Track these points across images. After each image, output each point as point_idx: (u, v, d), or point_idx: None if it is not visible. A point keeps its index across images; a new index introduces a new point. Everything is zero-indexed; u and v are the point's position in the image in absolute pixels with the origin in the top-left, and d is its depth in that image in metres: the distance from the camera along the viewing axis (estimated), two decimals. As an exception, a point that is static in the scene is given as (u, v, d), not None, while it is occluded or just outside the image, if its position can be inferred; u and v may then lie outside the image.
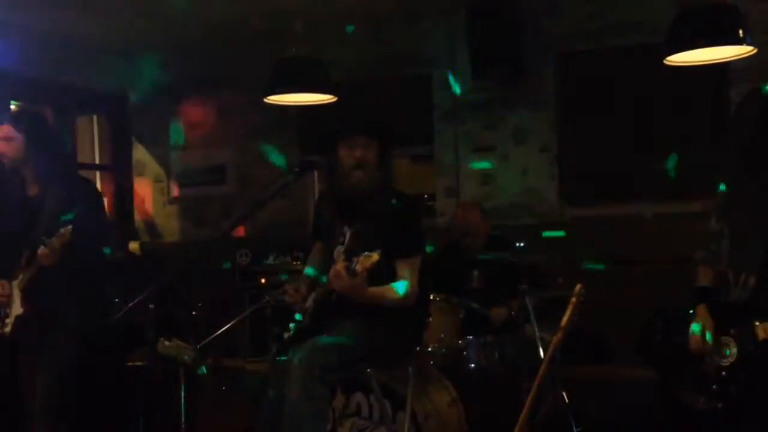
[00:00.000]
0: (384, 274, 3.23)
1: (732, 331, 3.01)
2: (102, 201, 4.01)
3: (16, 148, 3.63)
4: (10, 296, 3.65)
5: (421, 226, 3.50)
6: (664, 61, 4.12)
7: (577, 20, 5.70)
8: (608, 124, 5.73)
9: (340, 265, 3.10)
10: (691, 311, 3.12)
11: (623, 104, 5.70)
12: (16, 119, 3.71)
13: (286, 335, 3.44)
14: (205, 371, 3.68)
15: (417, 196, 6.43)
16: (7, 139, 3.64)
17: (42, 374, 3.61)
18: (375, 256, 2.99)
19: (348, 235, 3.39)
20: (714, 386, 2.99)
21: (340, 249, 3.39)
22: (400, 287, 3.27)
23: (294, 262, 5.86)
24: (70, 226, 3.39)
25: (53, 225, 3.46)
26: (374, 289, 3.18)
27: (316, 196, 6.48)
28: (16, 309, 3.65)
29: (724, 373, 3.00)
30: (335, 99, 4.95)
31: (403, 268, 3.29)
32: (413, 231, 3.39)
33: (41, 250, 3.47)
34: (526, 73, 5.74)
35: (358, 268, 3.01)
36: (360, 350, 3.31)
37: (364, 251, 3.05)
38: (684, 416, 3.16)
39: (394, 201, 3.36)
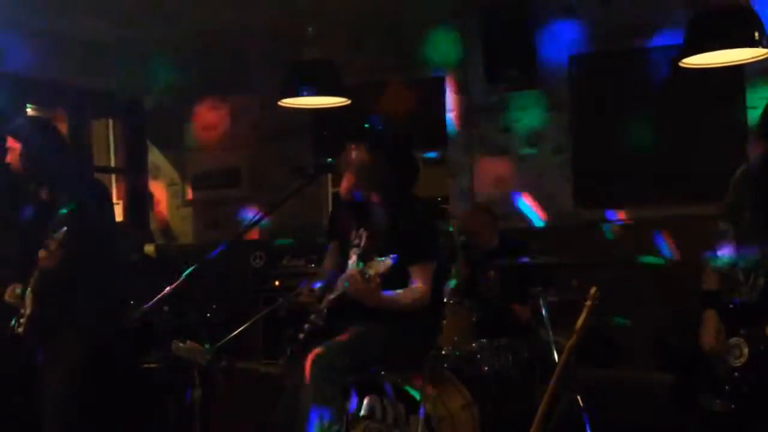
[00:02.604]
0: (397, 278, 3.23)
1: (743, 331, 3.00)
2: (110, 203, 4.07)
3: (16, 157, 3.77)
4: (23, 297, 3.71)
5: (436, 230, 3.50)
6: (680, 63, 4.10)
7: (591, 22, 5.68)
8: (622, 126, 5.71)
9: (354, 270, 3.10)
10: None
11: (637, 106, 5.67)
12: (13, 129, 3.84)
13: (300, 336, 3.44)
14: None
15: (432, 200, 6.45)
16: (10, 149, 3.79)
17: (54, 374, 3.65)
18: (388, 262, 2.99)
19: (363, 237, 3.40)
20: (726, 387, 2.99)
21: (355, 251, 3.40)
22: (412, 292, 3.27)
23: (308, 265, 5.87)
24: (64, 228, 3.45)
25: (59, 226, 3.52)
26: (387, 294, 3.18)
27: (330, 198, 6.51)
28: (29, 308, 3.70)
29: (736, 374, 2.99)
30: (348, 102, 4.96)
31: (416, 272, 3.28)
32: (427, 236, 3.39)
33: (41, 252, 3.53)
34: (539, 75, 5.72)
35: (371, 272, 3.01)
36: (374, 353, 3.31)
37: (378, 255, 3.05)
38: (700, 419, 3.15)
39: (408, 206, 3.37)
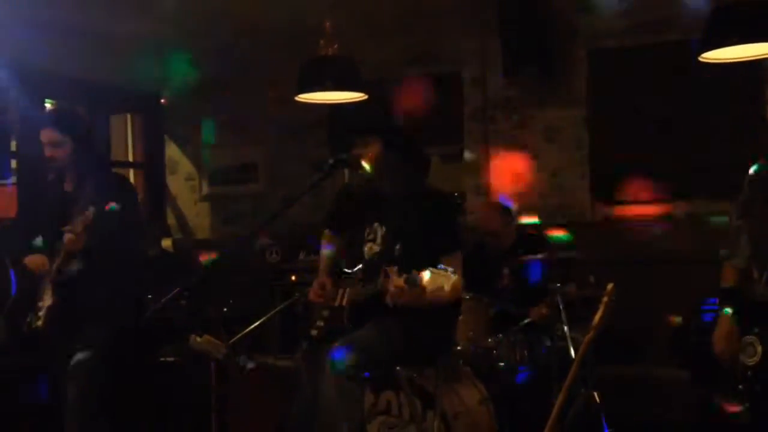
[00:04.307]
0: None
1: (756, 330, 2.97)
2: (137, 197, 4.05)
3: (66, 152, 3.70)
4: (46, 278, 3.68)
5: (458, 221, 3.47)
6: (699, 58, 4.06)
7: (609, 17, 5.65)
8: (640, 123, 5.68)
9: (399, 281, 2.97)
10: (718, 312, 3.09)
11: (656, 102, 5.64)
12: (59, 122, 3.74)
13: (314, 333, 3.44)
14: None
15: (449, 193, 6.43)
16: (56, 144, 3.69)
17: (73, 370, 3.64)
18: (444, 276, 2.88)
19: (380, 233, 3.38)
20: (740, 386, 2.96)
21: (372, 247, 3.38)
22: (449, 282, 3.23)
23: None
24: (92, 208, 3.42)
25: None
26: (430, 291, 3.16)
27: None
28: (48, 300, 3.69)
29: (749, 372, 2.96)
30: (365, 97, 4.95)
31: (448, 263, 3.25)
32: (452, 227, 3.37)
33: (66, 236, 3.51)
34: (557, 71, 5.70)
35: (421, 283, 2.87)
36: (391, 348, 3.30)
37: (403, 252, 3.03)
38: (717, 417, 3.13)
39: (428, 198, 3.36)
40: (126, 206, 3.59)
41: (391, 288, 3.03)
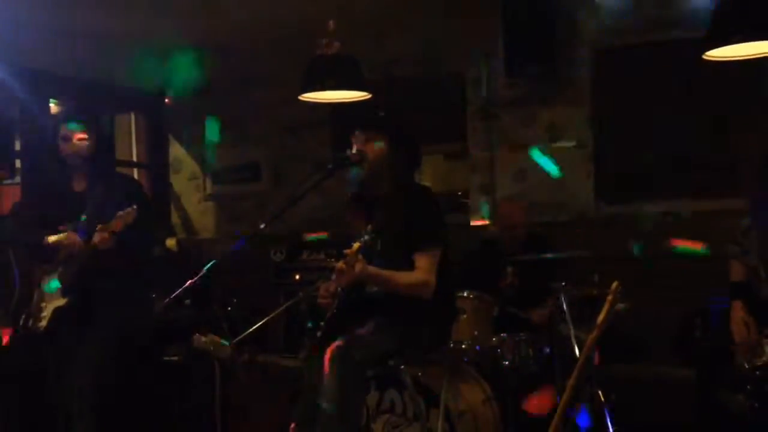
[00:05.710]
0: (402, 267, 3.23)
1: (766, 330, 2.96)
2: (149, 199, 4.05)
3: (89, 150, 3.72)
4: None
5: (440, 218, 3.42)
6: (703, 56, 4.05)
7: (613, 15, 5.63)
8: (645, 121, 5.67)
9: (339, 264, 3.09)
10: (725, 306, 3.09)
11: (660, 100, 5.62)
12: (87, 119, 3.77)
13: (318, 333, 3.44)
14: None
15: (452, 194, 6.43)
16: (81, 140, 3.71)
17: (81, 369, 3.65)
18: (356, 245, 3.03)
19: (368, 229, 3.40)
20: (748, 386, 2.96)
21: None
22: (410, 276, 3.24)
23: (328, 259, 5.89)
24: (135, 206, 3.42)
25: (103, 217, 3.50)
26: (384, 271, 3.18)
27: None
28: (55, 301, 3.68)
29: (758, 372, 2.96)
30: (368, 96, 4.96)
31: (419, 260, 3.26)
32: (429, 224, 3.35)
33: (98, 235, 3.49)
34: (560, 70, 5.69)
35: (348, 253, 3.02)
36: (391, 344, 3.30)
37: (380, 246, 3.07)
38: (722, 415, 3.12)
39: (409, 193, 3.35)
40: (142, 208, 3.61)
41: (336, 272, 3.09)
